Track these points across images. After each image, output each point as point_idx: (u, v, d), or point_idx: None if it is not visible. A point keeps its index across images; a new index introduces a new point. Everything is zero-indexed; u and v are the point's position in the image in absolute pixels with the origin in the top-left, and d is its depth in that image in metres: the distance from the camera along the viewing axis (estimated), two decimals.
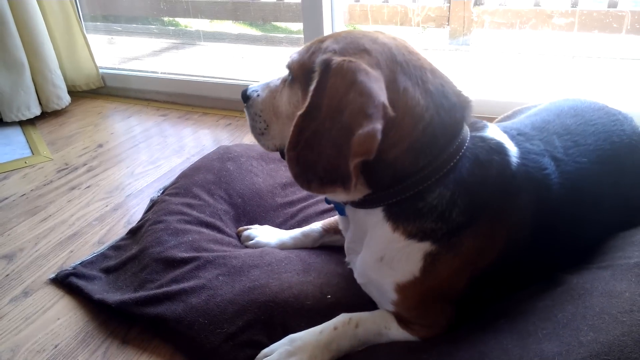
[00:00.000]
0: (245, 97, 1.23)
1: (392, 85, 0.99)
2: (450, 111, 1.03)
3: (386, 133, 0.96)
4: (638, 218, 1.35)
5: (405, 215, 1.05)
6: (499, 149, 1.09)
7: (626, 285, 1.08)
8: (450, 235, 1.04)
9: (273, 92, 1.17)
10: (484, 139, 1.10)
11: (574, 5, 2.62)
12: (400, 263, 1.08)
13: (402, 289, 1.10)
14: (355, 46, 1.02)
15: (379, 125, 0.94)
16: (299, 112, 0.99)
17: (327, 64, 0.98)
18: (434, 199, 1.03)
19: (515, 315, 1.14)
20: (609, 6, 2.57)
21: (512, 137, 1.16)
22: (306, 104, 0.98)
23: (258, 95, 1.20)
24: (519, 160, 1.10)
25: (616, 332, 0.97)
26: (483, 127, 1.13)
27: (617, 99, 2.38)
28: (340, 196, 1.10)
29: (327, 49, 1.03)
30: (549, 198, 1.13)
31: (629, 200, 1.30)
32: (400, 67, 1.02)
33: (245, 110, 1.24)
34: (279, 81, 1.18)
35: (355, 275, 1.24)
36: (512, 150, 1.11)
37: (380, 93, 0.96)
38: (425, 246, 1.05)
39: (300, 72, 1.07)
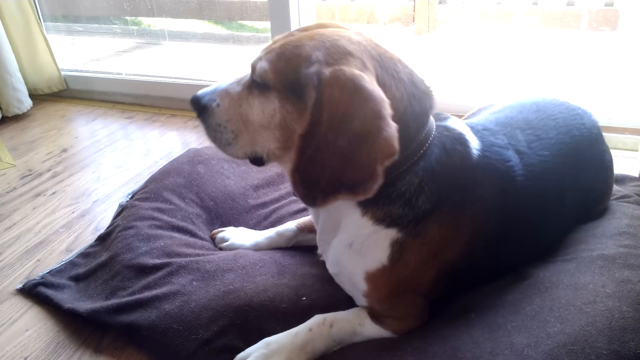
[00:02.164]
0: (201, 107, 1.13)
1: (378, 82, 1.01)
2: (421, 100, 1.06)
3: None
4: (595, 210, 1.41)
5: (375, 200, 1.06)
6: (462, 140, 1.14)
7: (590, 277, 1.13)
8: (416, 223, 1.07)
9: (237, 99, 1.11)
10: (448, 129, 1.14)
11: (535, 3, 2.70)
12: (369, 250, 1.10)
13: (372, 278, 1.12)
14: (338, 50, 1.01)
15: (394, 125, 0.96)
16: (300, 133, 0.98)
17: (321, 77, 0.96)
18: (403, 185, 1.06)
19: (485, 309, 1.17)
20: (567, 4, 2.66)
21: (477, 132, 1.20)
22: (307, 122, 0.97)
23: (218, 105, 1.12)
24: (480, 152, 1.14)
25: (581, 323, 1.02)
26: (446, 118, 1.17)
27: (576, 92, 2.46)
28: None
29: (311, 59, 0.99)
30: (513, 190, 1.17)
31: (588, 192, 1.35)
32: (378, 62, 1.04)
33: (200, 120, 1.15)
34: (240, 86, 1.12)
35: (328, 266, 1.25)
36: (474, 141, 1.15)
37: (382, 94, 0.97)
38: (392, 233, 1.08)
39: (279, 83, 1.03)
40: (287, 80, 1.02)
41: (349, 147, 0.95)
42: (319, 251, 1.32)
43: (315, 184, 0.99)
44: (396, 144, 0.95)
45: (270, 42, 1.12)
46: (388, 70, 1.04)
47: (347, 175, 0.97)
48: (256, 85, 1.08)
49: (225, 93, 1.13)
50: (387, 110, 0.96)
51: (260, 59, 1.06)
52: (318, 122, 0.96)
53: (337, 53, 1.00)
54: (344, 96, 0.95)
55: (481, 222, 1.14)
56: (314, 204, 1.01)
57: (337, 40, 1.02)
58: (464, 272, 1.18)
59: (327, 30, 1.06)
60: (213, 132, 1.14)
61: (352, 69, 0.97)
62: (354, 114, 0.94)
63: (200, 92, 1.15)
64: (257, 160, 1.15)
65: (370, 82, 0.97)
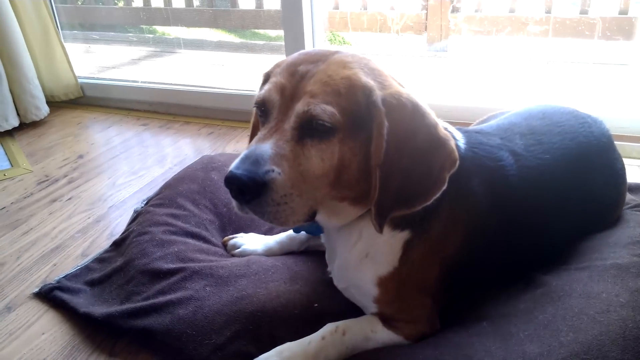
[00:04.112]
0: (258, 185, 0.93)
1: None
2: None
3: None
4: (610, 217, 1.40)
5: None
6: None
7: (603, 286, 1.12)
8: (423, 221, 1.11)
9: (294, 158, 0.97)
10: None
11: (548, 11, 2.70)
12: (384, 256, 1.13)
13: (383, 281, 1.14)
14: (377, 72, 1.04)
15: (449, 133, 1.02)
16: (378, 163, 0.96)
17: (386, 104, 0.97)
18: None
19: (497, 318, 1.17)
20: (581, 12, 2.65)
21: (465, 132, 1.24)
22: (382, 150, 0.96)
23: (280, 174, 0.94)
24: (466, 146, 1.18)
25: (594, 332, 1.01)
26: None
27: (589, 102, 2.45)
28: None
29: (367, 87, 0.99)
30: (507, 188, 1.20)
31: (599, 199, 1.35)
32: (393, 80, 1.09)
33: (252, 207, 0.97)
34: (287, 143, 0.98)
35: (335, 282, 1.27)
36: (458, 136, 1.19)
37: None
38: (405, 235, 1.12)
39: (346, 122, 0.97)
40: (351, 116, 0.97)
41: (411, 164, 0.98)
42: (329, 268, 1.32)
43: (382, 210, 1.00)
44: (456, 152, 1.01)
45: (280, 83, 1.02)
46: (395, 81, 1.09)
47: (406, 192, 0.99)
48: (311, 134, 0.98)
49: (279, 157, 0.96)
50: (437, 120, 1.02)
51: (314, 104, 0.96)
52: (387, 149, 0.96)
53: (379, 76, 1.03)
54: (406, 116, 0.98)
55: (475, 216, 1.16)
56: (382, 231, 1.02)
57: (368, 63, 1.05)
58: (466, 271, 1.20)
59: (343, 54, 1.06)
60: (275, 208, 0.96)
61: (404, 89, 1.02)
62: (416, 130, 0.98)
63: (240, 169, 0.94)
64: (312, 216, 1.05)
65: (417, 96, 1.02)
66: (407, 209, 1.01)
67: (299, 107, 0.98)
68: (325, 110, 0.95)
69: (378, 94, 0.98)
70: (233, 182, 0.94)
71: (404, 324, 1.18)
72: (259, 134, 1.02)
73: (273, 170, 0.94)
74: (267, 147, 0.96)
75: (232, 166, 0.95)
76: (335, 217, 1.12)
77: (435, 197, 1.00)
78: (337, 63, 1.02)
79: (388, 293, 1.15)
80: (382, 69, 1.07)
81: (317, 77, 0.99)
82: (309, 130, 0.98)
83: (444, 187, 1.00)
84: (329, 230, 1.23)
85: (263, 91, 1.05)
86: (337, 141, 0.98)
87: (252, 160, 0.95)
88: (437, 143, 1.00)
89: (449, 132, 1.18)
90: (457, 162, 1.01)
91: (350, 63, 1.02)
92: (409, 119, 0.98)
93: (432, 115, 1.02)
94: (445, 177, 1.00)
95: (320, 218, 1.13)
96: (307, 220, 1.04)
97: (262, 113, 1.06)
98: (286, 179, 0.95)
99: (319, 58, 1.04)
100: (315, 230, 1.24)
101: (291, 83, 1.01)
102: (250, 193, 0.94)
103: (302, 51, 1.10)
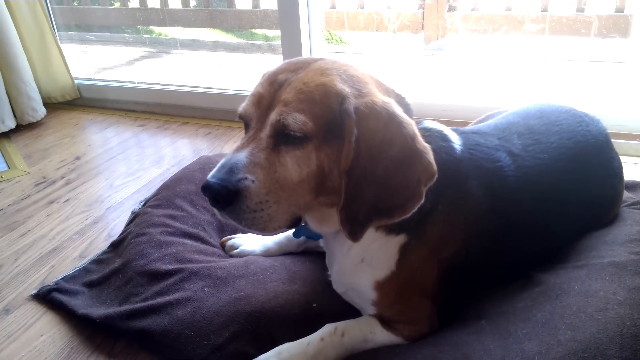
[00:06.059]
0: (230, 193, 0.95)
1: None
2: (406, 107, 1.09)
3: None
4: (607, 216, 1.41)
5: None
6: (443, 136, 1.18)
7: (600, 284, 1.12)
8: (419, 224, 1.10)
9: (269, 166, 0.99)
10: (427, 129, 1.17)
11: (544, 9, 2.70)
12: (380, 260, 1.13)
13: (381, 285, 1.14)
14: (355, 80, 1.03)
15: (428, 145, 1.00)
16: (344, 169, 0.97)
17: (358, 112, 0.96)
18: None
19: (496, 316, 1.17)
20: (577, 10, 2.66)
21: (462, 133, 1.23)
22: (350, 158, 0.96)
23: (253, 181, 0.97)
24: (462, 148, 1.18)
25: (592, 330, 1.01)
26: (421, 121, 1.19)
27: (586, 100, 2.46)
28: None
29: (342, 94, 0.99)
30: (505, 189, 1.19)
31: (597, 199, 1.36)
32: (375, 82, 1.08)
33: (228, 212, 0.99)
34: (263, 151, 0.99)
35: (335, 287, 1.27)
36: (454, 138, 1.19)
37: (406, 115, 1.01)
38: (400, 239, 1.12)
39: (319, 129, 0.98)
40: (325, 123, 0.98)
41: (386, 175, 0.97)
42: (329, 272, 1.32)
43: (356, 218, 0.99)
44: (435, 165, 0.99)
45: (258, 94, 1.04)
46: (381, 87, 1.08)
47: (384, 202, 0.98)
48: (286, 141, 0.99)
49: (252, 165, 0.98)
50: (417, 131, 1.00)
51: (285, 112, 0.97)
52: (358, 156, 0.96)
53: (357, 83, 1.02)
54: (380, 126, 0.97)
55: (473, 219, 1.16)
56: (356, 239, 1.01)
57: (348, 69, 1.05)
58: (464, 271, 1.20)
59: (323, 62, 1.06)
60: (251, 215, 0.98)
61: (381, 97, 1.00)
62: (391, 140, 0.97)
63: (215, 178, 0.97)
64: (296, 222, 1.06)
65: (396, 106, 1.00)
66: (387, 219, 1.00)
67: (272, 116, 0.99)
68: (297, 119, 0.96)
69: (351, 101, 0.97)
70: (207, 190, 0.96)
71: (403, 325, 1.18)
72: (238, 144, 1.04)
73: (246, 178, 0.96)
74: (242, 156, 0.99)
75: (209, 175, 0.97)
76: (326, 223, 1.13)
77: (413, 210, 0.99)
78: (315, 70, 1.02)
79: (387, 296, 1.15)
80: (364, 76, 1.05)
81: (293, 85, 1.00)
82: (284, 137, 0.99)
83: (422, 201, 0.99)
84: (326, 235, 1.23)
85: (242, 105, 1.07)
86: (313, 148, 0.98)
87: (227, 169, 0.97)
88: (414, 155, 0.98)
89: (444, 133, 1.19)
90: (435, 176, 0.99)
91: (329, 70, 1.02)
92: (382, 128, 0.97)
93: (412, 126, 1.00)
94: (422, 190, 0.98)
95: (311, 224, 1.16)
96: (290, 227, 1.06)
97: (244, 124, 1.09)
98: (260, 187, 0.97)
99: (300, 66, 1.05)
100: (314, 235, 1.24)
101: (269, 92, 1.03)
102: (223, 201, 0.97)
103: (287, 60, 1.10)
